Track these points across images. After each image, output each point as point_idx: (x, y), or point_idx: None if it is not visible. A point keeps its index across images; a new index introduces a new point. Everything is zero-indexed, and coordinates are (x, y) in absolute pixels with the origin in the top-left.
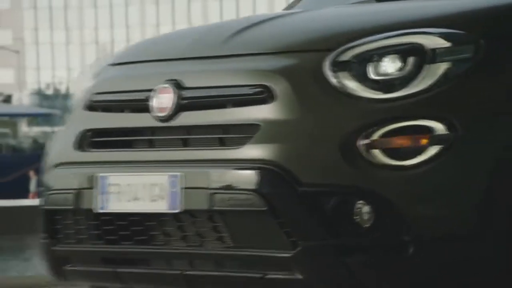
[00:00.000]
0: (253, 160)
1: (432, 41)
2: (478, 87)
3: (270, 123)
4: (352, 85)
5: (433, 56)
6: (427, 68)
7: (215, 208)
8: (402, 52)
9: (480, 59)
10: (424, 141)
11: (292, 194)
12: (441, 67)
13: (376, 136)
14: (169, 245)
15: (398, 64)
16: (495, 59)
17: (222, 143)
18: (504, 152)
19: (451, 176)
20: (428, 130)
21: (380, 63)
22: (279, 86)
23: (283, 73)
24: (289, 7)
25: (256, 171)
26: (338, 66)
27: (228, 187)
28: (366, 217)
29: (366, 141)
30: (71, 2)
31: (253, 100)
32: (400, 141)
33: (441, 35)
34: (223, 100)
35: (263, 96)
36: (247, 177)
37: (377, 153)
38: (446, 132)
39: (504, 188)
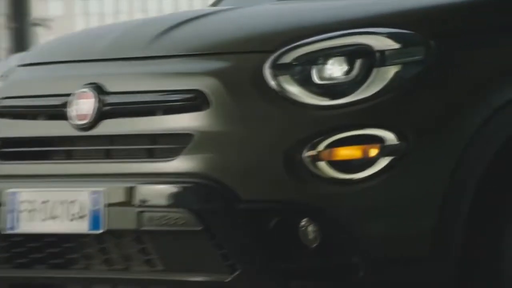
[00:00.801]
0: (185, 174)
1: (381, 42)
2: (431, 92)
3: (205, 132)
4: (295, 91)
5: (382, 58)
6: (376, 72)
7: (143, 228)
8: (349, 54)
9: (431, 62)
10: (374, 152)
11: (229, 211)
12: (391, 71)
13: (322, 147)
14: (90, 269)
15: (344, 67)
16: (447, 61)
17: (151, 154)
18: (460, 161)
19: (404, 190)
20: (378, 140)
21: (325, 66)
22: (214, 91)
23: (219, 76)
24: (216, 3)
25: (189, 186)
26: (279, 69)
27: (158, 205)
28: (312, 236)
29: (312, 153)
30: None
31: (185, 106)
32: (348, 153)
33: (390, 36)
34: (151, 107)
35: (196, 102)
36: (179, 193)
37: (323, 165)
38: (397, 142)
39: (461, 201)
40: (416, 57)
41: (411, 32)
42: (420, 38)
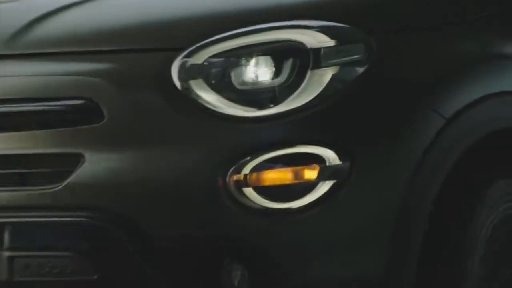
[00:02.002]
0: (73, 206)
1: (314, 38)
2: (375, 98)
3: (98, 152)
4: (211, 99)
5: (316, 58)
6: (310, 75)
7: (17, 279)
8: (276, 52)
9: (373, 62)
10: (312, 175)
11: (133, 253)
12: (327, 74)
13: (247, 169)
14: None
15: (271, 69)
16: (390, 60)
17: (24, 181)
18: (413, 179)
19: (349, 222)
20: (316, 159)
21: (247, 67)
22: (107, 100)
23: (113, 81)
24: None
25: (78, 221)
26: (190, 72)
27: (36, 248)
28: (238, 281)
29: (236, 177)
30: None
31: (71, 119)
32: (280, 176)
33: (323, 30)
34: (23, 120)
35: (86, 113)
36: (64, 231)
37: (251, 193)
38: (340, 162)
39: (416, 229)
40: (355, 57)
41: (347, 26)
42: (358, 33)
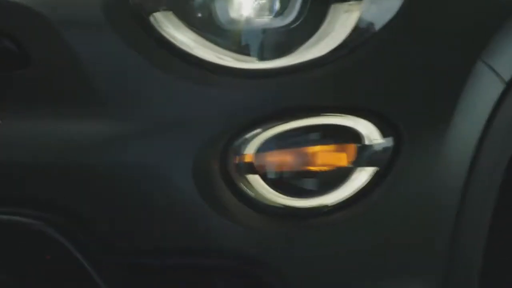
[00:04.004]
0: None
1: None
2: (419, 48)
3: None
4: (189, 40)
5: None
6: (333, 11)
7: None
8: None
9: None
10: (344, 159)
11: (96, 268)
12: (356, 10)
13: (251, 148)
14: None
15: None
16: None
17: None
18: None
19: (397, 224)
20: (350, 136)
21: None
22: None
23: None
24: None
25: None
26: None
27: None
28: None
29: (238, 160)
30: None
31: None
32: (299, 160)
33: None
34: None
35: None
36: None
37: (257, 181)
38: (383, 140)
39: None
40: None
41: None
42: None
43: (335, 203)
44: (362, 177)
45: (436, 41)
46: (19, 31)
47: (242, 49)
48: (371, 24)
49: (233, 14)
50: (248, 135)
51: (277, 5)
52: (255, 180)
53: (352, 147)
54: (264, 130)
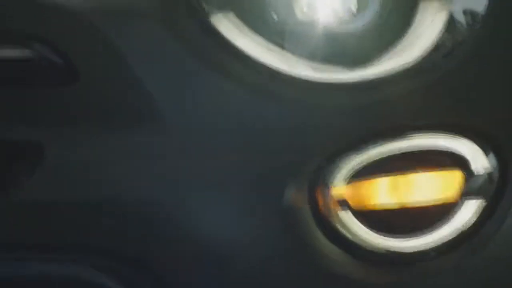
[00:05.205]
0: None
1: None
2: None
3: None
4: (245, 42)
5: None
6: (422, 8)
7: None
8: None
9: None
10: (454, 188)
11: None
12: (445, 8)
13: (341, 179)
14: None
15: None
16: None
17: None
18: None
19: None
20: (457, 161)
21: None
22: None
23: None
24: None
25: None
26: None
27: None
28: None
29: (329, 193)
30: None
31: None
32: (401, 191)
33: None
34: None
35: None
36: None
37: (350, 219)
38: (488, 165)
39: None
40: None
41: None
42: None
43: (442, 243)
44: (468, 210)
45: None
46: (65, 40)
47: (314, 53)
48: (465, 23)
49: (302, 16)
50: (339, 161)
51: (354, 4)
52: (348, 217)
53: (460, 175)
54: (357, 154)
